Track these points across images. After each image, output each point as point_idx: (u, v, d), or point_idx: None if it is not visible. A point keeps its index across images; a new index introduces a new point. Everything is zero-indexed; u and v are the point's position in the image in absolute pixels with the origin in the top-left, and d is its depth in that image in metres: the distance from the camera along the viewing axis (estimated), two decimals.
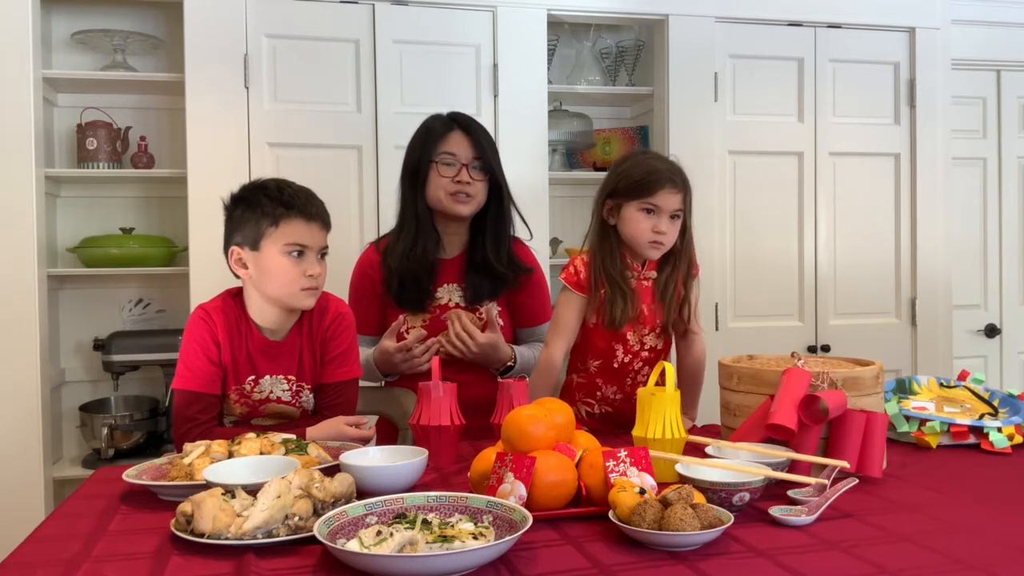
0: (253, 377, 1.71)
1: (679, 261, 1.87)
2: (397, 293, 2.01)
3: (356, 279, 2.08)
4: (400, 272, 1.99)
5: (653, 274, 1.87)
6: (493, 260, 2.02)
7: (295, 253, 1.66)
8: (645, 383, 1.92)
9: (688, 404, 1.94)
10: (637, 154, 1.89)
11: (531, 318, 2.11)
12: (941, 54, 3.26)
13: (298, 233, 1.66)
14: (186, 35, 2.68)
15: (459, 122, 2.03)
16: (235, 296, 1.75)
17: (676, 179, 1.80)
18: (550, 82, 3.00)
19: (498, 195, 2.04)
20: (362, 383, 1.99)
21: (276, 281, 1.66)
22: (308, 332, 1.76)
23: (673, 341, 1.96)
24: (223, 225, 1.74)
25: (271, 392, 1.73)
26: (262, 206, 1.65)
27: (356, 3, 2.81)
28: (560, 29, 3.19)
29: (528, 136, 2.93)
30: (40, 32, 2.70)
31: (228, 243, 1.71)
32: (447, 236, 2.06)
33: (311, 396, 1.77)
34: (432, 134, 2.01)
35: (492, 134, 2.90)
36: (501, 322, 2.01)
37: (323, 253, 1.73)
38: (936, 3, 3.25)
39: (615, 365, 1.88)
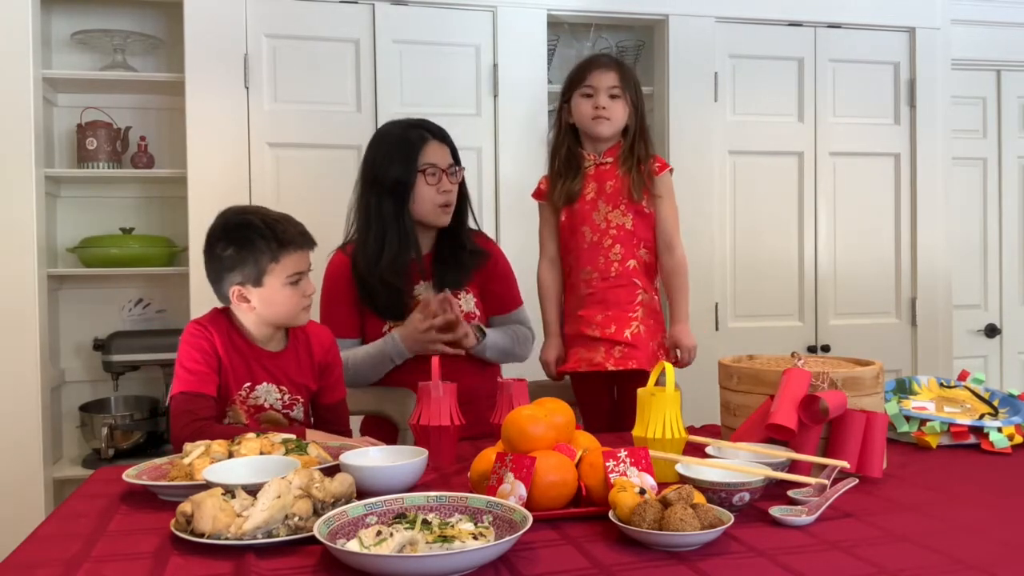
0: (249, 384, 1.73)
1: (634, 137, 2.08)
2: (379, 306, 2.01)
3: (330, 284, 2.05)
4: (383, 282, 1.98)
5: (610, 160, 2.05)
6: (460, 249, 2.07)
7: (295, 281, 1.73)
8: (620, 262, 2.03)
9: (677, 310, 2.09)
10: None
11: (501, 305, 2.13)
12: (941, 54, 3.26)
13: (296, 263, 1.73)
14: (186, 35, 2.69)
15: (431, 131, 2.04)
16: (223, 312, 1.78)
17: (605, 59, 2.07)
18: (550, 82, 3.00)
19: (462, 191, 2.10)
20: (360, 384, 2.01)
21: (281, 308, 1.73)
22: (296, 347, 1.80)
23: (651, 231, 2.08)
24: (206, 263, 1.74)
25: (265, 400, 1.75)
26: (257, 246, 1.70)
27: (356, 3, 2.81)
28: (560, 29, 3.19)
29: (528, 136, 2.93)
30: (40, 32, 2.70)
31: (222, 281, 1.73)
32: (422, 239, 2.06)
33: (301, 410, 1.79)
34: (410, 146, 2.00)
35: (492, 134, 2.92)
36: (461, 304, 2.03)
37: (310, 270, 1.79)
38: (936, 3, 3.25)
39: (585, 245, 2.04)
